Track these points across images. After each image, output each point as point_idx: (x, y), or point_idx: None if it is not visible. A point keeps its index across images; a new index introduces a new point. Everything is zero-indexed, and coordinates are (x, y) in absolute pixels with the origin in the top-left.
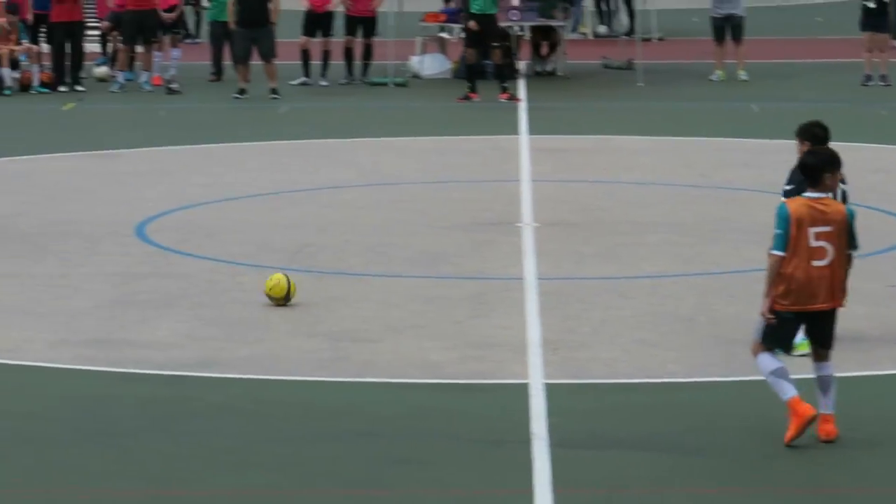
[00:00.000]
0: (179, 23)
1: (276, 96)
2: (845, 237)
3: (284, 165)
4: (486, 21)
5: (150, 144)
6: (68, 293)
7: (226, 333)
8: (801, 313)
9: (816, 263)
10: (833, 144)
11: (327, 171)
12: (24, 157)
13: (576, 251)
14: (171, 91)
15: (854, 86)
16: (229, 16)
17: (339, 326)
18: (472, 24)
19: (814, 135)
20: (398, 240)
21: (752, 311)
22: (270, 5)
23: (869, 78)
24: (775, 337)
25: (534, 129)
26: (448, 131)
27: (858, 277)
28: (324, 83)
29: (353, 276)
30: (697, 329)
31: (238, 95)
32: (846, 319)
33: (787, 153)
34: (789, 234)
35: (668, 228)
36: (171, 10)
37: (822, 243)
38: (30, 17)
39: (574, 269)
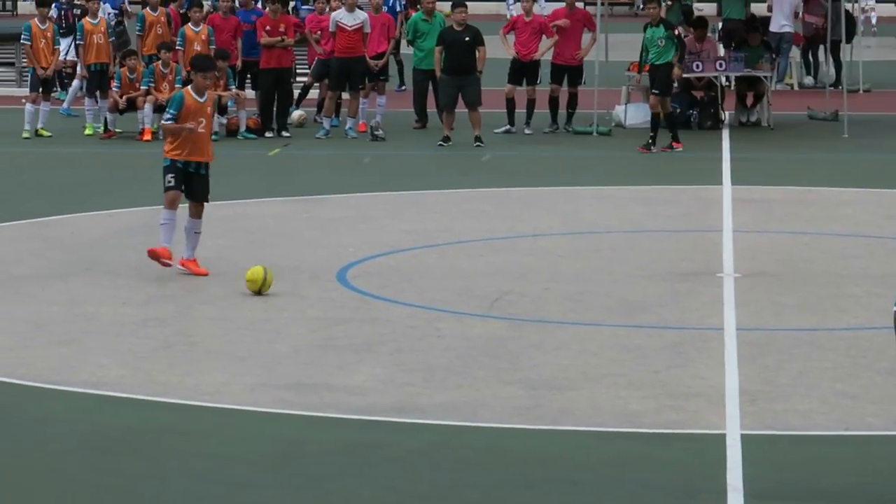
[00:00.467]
0: (386, 70)
1: (479, 144)
2: None
3: (486, 213)
4: (656, 71)
5: (353, 190)
6: (269, 337)
7: (424, 379)
8: None
9: None
10: None
11: (529, 219)
12: (229, 201)
13: (776, 302)
14: (375, 138)
15: None
16: (436, 64)
17: (537, 374)
18: (638, 77)
19: None
20: (598, 288)
21: None
22: (477, 53)
23: None
24: None
25: (737, 180)
26: (651, 180)
27: None
28: (528, 131)
29: (552, 324)
30: None
31: (442, 143)
32: None
33: None
34: None
35: (870, 280)
36: (378, 57)
37: None
38: (238, 63)
39: (774, 320)
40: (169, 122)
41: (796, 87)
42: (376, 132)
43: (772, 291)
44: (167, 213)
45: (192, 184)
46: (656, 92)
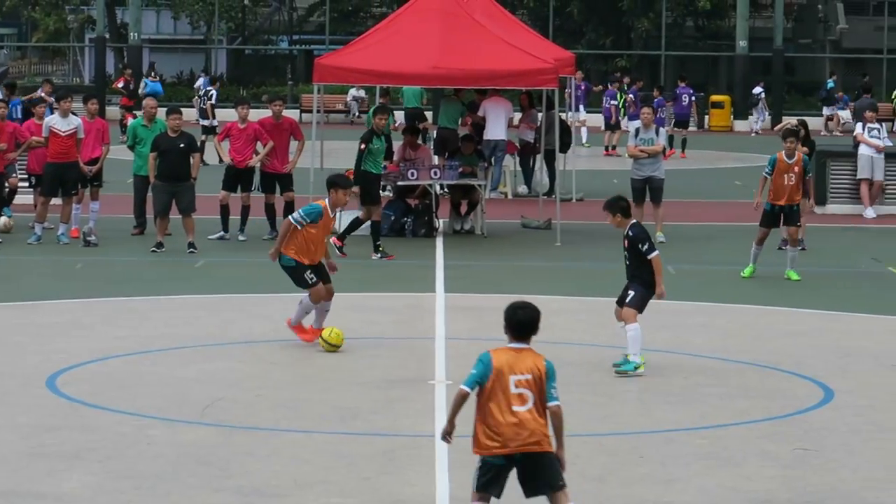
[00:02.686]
0: (100, 176)
1: (193, 250)
2: (545, 388)
3: (198, 319)
4: (370, 179)
5: (65, 296)
6: None
7: (134, 486)
8: (510, 458)
9: (517, 409)
10: (749, 308)
11: (242, 326)
12: None
13: None
14: (88, 244)
15: (771, 249)
16: (150, 170)
17: (248, 481)
18: (355, 189)
19: (621, 208)
20: (311, 395)
21: (662, 471)
22: (192, 160)
23: (786, 242)
24: (488, 483)
25: (450, 288)
26: (364, 288)
27: (769, 440)
28: (242, 238)
29: (264, 431)
30: (606, 489)
31: (155, 249)
32: (756, 481)
33: (702, 315)
34: (485, 378)
35: (580, 388)
36: (92, 162)
37: (521, 390)
38: None
39: None
40: (298, 223)
41: (510, 196)
42: (89, 238)
43: None
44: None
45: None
46: (371, 203)
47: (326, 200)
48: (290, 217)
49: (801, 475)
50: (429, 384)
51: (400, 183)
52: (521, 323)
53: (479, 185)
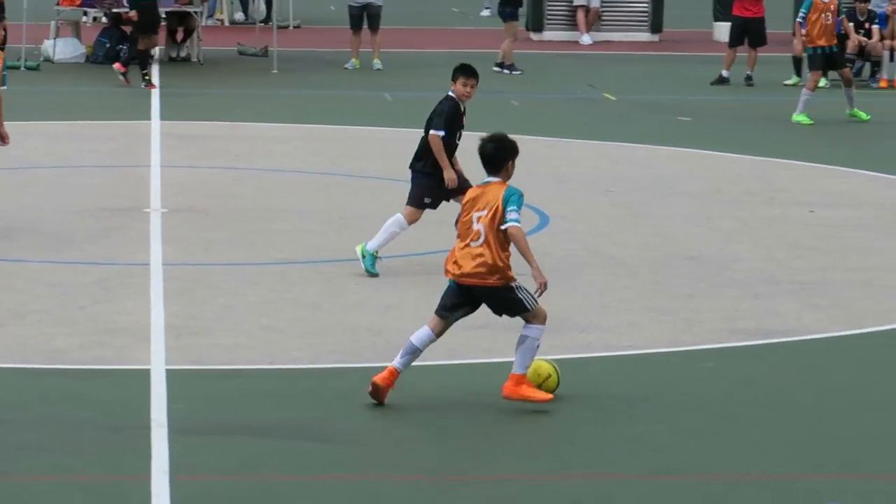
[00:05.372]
0: None
1: None
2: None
3: None
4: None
5: None
6: None
7: None
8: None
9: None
10: (466, 134)
11: None
12: None
13: (205, 237)
14: None
15: (490, 72)
16: None
17: None
18: (131, 14)
19: None
20: (25, 224)
21: (377, 298)
22: None
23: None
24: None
25: (166, 115)
26: (80, 116)
27: None
28: None
29: None
30: (323, 316)
31: None
32: None
33: (416, 143)
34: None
35: (298, 216)
36: None
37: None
38: None
39: (202, 255)
40: None
41: (227, 23)
42: None
43: (200, 227)
44: None
45: None
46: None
47: None
48: None
49: None
50: (144, 212)
51: (115, 10)
52: (481, 155)
53: (195, 12)
